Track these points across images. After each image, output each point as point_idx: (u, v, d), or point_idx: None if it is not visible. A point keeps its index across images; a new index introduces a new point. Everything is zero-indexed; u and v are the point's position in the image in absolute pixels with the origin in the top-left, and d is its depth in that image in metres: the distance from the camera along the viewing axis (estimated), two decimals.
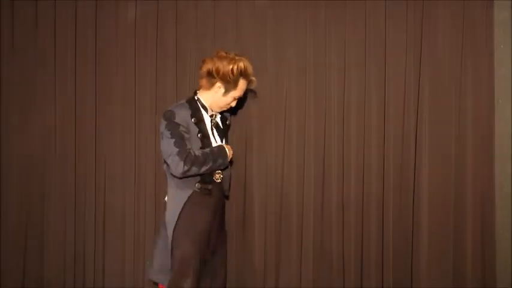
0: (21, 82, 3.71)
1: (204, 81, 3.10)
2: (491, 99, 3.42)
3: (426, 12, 3.44)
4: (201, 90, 3.14)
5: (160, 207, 3.49)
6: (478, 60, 3.43)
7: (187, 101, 3.12)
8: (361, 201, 3.48)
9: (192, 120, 3.05)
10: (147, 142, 3.60)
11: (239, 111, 3.49)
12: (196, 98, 3.13)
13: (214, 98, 3.10)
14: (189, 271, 3.01)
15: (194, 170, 3.00)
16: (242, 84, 3.09)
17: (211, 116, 3.15)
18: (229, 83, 3.05)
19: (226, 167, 3.20)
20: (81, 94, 3.67)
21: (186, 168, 2.96)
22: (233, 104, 3.17)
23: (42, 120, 3.69)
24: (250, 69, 3.08)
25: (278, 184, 3.52)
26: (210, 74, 3.05)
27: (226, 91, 3.07)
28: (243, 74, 3.05)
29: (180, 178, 3.03)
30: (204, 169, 3.03)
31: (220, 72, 3.02)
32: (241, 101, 3.32)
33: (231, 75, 3.02)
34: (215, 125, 3.17)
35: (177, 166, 2.96)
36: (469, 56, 3.43)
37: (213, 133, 3.14)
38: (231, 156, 3.18)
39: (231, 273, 3.51)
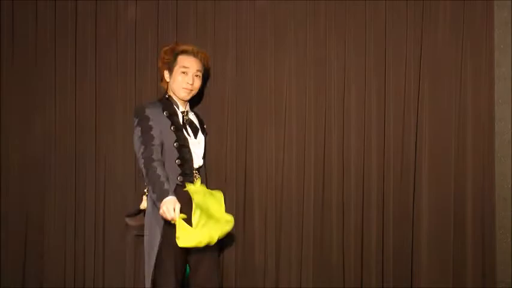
0: (21, 82, 3.71)
1: (162, 82, 3.27)
2: (491, 99, 3.42)
3: (426, 12, 3.44)
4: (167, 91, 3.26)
5: None
6: (478, 60, 3.43)
7: (159, 100, 3.21)
8: (361, 201, 3.47)
9: (164, 113, 3.09)
10: None
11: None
12: (167, 96, 3.21)
13: (171, 85, 3.19)
14: (170, 273, 2.99)
15: (145, 179, 2.96)
16: (182, 59, 3.17)
17: (182, 112, 3.18)
18: (170, 63, 3.17)
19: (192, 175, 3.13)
20: (81, 94, 3.67)
21: (144, 170, 2.95)
22: (195, 83, 3.18)
23: (42, 120, 3.69)
24: (185, 45, 3.22)
25: (278, 184, 3.52)
26: (159, 70, 3.27)
27: (170, 71, 3.18)
28: (176, 50, 3.18)
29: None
30: (146, 183, 2.98)
31: (160, 61, 3.23)
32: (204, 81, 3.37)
33: (166, 57, 3.18)
34: (188, 122, 3.19)
35: (138, 163, 3.01)
36: (469, 56, 3.43)
37: (186, 128, 3.15)
38: (175, 216, 2.83)
39: (231, 273, 3.51)
